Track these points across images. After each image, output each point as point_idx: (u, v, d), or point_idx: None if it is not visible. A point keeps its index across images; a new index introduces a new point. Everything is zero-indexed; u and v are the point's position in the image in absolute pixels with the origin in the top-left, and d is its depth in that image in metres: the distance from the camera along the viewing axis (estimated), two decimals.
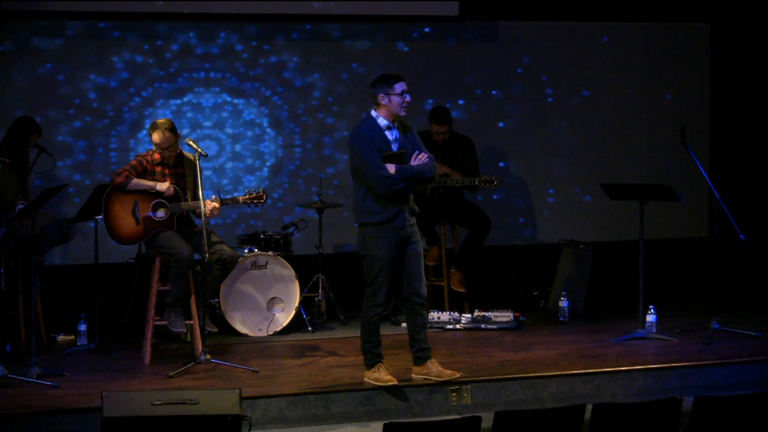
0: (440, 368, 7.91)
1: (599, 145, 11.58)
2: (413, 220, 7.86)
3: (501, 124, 11.37)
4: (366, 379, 7.87)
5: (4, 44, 10.14)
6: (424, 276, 7.90)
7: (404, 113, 7.79)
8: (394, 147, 7.79)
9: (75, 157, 10.35)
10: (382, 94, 7.74)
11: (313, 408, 7.68)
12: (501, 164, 11.33)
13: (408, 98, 7.75)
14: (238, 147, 10.72)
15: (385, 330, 8.46)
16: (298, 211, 10.66)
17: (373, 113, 7.79)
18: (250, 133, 10.76)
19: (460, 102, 11.20)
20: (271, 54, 10.76)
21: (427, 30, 11.09)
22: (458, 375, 7.90)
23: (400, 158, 7.74)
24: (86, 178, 10.32)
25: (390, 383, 7.78)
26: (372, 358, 7.89)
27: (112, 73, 10.40)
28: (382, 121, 7.78)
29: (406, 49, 11.06)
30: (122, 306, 9.91)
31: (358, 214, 7.82)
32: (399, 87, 7.73)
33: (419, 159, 7.76)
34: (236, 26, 10.64)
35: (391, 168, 7.68)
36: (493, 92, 11.34)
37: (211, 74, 10.63)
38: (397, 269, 7.82)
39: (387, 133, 7.80)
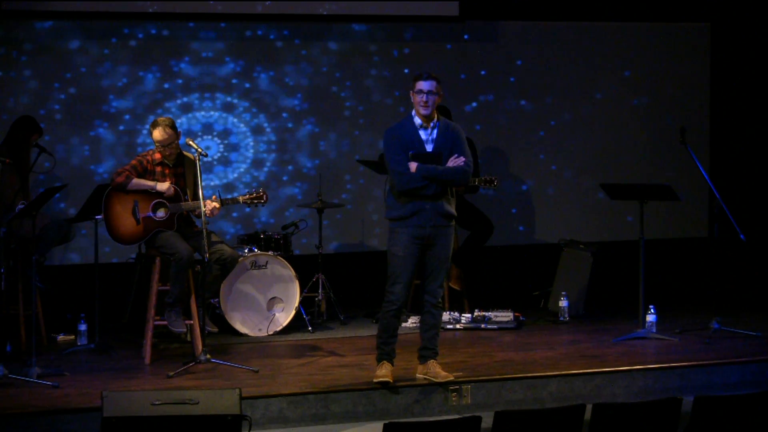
0: (438, 369, 7.91)
1: (599, 145, 11.58)
2: (443, 221, 7.79)
3: (501, 124, 11.37)
4: None
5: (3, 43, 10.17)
6: (442, 278, 7.88)
7: (425, 111, 7.76)
8: (429, 147, 7.79)
9: (72, 158, 10.37)
10: (411, 92, 7.81)
11: (313, 408, 7.69)
12: (501, 164, 11.33)
13: (426, 98, 7.71)
14: (237, 147, 10.72)
15: None
16: (298, 210, 10.66)
17: (413, 112, 7.84)
18: (249, 133, 10.75)
19: (460, 102, 11.19)
20: (271, 54, 10.77)
21: (427, 30, 11.09)
22: (452, 377, 7.91)
23: (435, 159, 7.73)
24: (83, 178, 10.33)
25: (382, 379, 7.79)
26: (379, 354, 7.92)
27: (110, 72, 10.41)
28: (417, 120, 7.82)
29: (406, 49, 11.07)
30: (122, 306, 9.91)
31: (386, 209, 7.91)
32: (419, 85, 7.75)
33: (454, 162, 7.76)
34: (237, 26, 10.64)
35: (413, 166, 7.69)
36: (493, 92, 11.34)
37: (211, 74, 10.63)
38: (416, 268, 7.83)
39: (421, 132, 7.81)
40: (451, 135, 7.84)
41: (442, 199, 7.79)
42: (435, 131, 7.83)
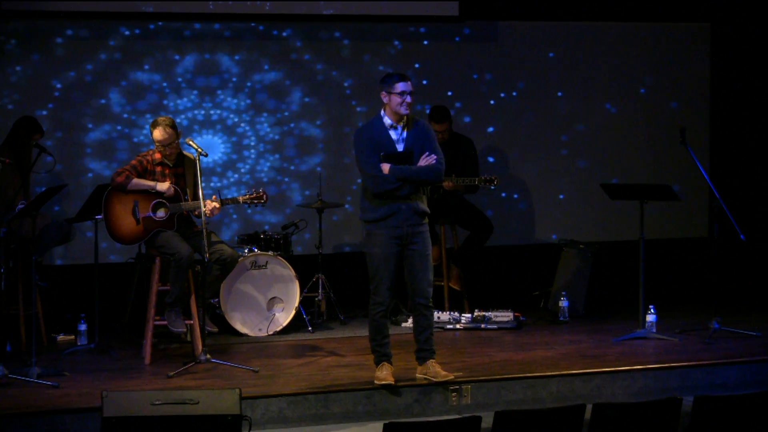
0: (437, 369, 7.91)
1: (600, 145, 11.58)
2: (418, 220, 7.80)
3: (501, 124, 11.36)
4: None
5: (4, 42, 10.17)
6: (429, 277, 7.87)
7: (406, 111, 7.78)
8: (399, 147, 7.80)
9: (70, 158, 10.37)
10: (384, 92, 7.78)
11: (313, 408, 7.69)
12: (501, 164, 11.33)
13: (408, 99, 7.74)
14: (238, 146, 10.72)
15: None
16: (298, 211, 10.65)
17: (381, 112, 7.83)
18: (250, 132, 10.75)
19: (460, 102, 11.19)
20: (271, 54, 10.76)
21: (427, 30, 11.09)
22: (452, 376, 7.90)
23: (405, 159, 7.72)
24: (82, 178, 10.33)
25: (384, 382, 7.80)
26: (377, 357, 7.93)
27: (109, 71, 10.40)
28: (387, 120, 7.81)
29: (405, 48, 11.06)
30: (122, 306, 9.91)
31: (360, 210, 7.91)
32: (400, 87, 7.73)
33: (426, 161, 7.76)
34: (238, 24, 10.64)
35: (386, 167, 7.69)
36: (493, 92, 11.33)
37: (211, 73, 10.63)
38: (397, 268, 7.82)
39: (392, 132, 7.81)
40: (421, 133, 7.84)
41: (416, 199, 7.80)
42: (403, 131, 7.83)
